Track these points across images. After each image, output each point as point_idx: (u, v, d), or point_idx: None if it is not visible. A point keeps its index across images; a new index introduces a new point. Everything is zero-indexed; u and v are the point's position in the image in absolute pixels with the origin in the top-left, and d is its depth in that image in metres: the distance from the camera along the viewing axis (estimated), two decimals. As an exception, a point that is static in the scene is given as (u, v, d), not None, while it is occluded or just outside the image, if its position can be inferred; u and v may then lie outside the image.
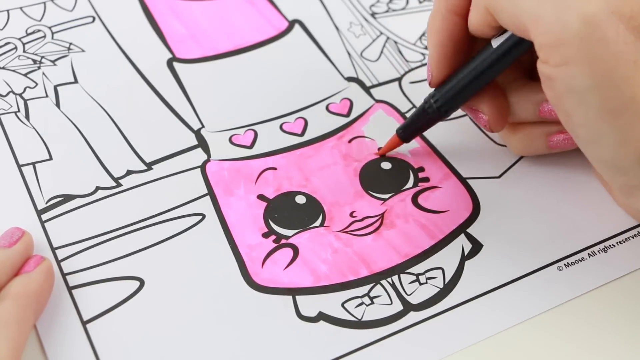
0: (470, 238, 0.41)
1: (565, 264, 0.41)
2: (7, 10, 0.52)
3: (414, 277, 0.40)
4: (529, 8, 0.34)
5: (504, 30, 0.38)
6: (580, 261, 0.41)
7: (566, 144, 0.42)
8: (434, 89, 0.42)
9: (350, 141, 0.46)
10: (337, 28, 0.52)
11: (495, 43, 0.39)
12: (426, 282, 0.40)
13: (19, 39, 0.51)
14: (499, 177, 0.44)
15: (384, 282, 0.40)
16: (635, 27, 0.33)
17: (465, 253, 0.41)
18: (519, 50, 0.38)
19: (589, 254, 0.41)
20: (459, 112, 0.46)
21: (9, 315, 0.35)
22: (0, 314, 0.35)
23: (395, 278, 0.40)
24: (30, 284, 0.37)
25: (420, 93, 0.47)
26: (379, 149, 0.45)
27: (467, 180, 0.44)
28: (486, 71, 0.40)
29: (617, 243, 0.42)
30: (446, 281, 0.40)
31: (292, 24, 0.52)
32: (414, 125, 0.44)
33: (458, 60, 0.41)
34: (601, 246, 0.41)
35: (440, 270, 0.40)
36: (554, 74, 0.34)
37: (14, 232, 0.39)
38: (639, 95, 0.33)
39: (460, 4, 0.40)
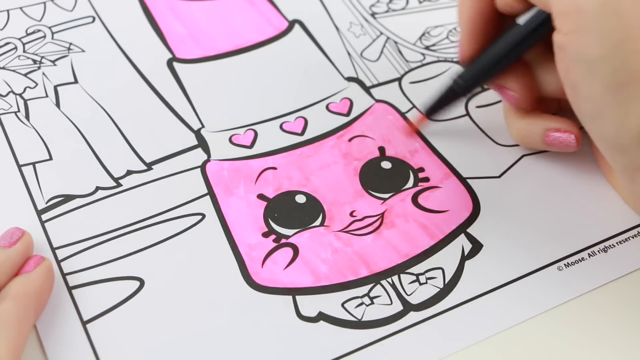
0: (471, 238, 0.41)
1: (565, 264, 0.40)
2: (7, 10, 0.52)
3: (414, 277, 0.40)
4: None
5: (530, 8, 0.39)
6: (580, 261, 0.41)
7: (562, 143, 0.42)
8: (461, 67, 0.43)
9: (350, 140, 0.46)
10: (337, 28, 0.52)
11: (522, 21, 0.40)
12: (426, 282, 0.40)
13: (19, 39, 0.50)
14: (499, 176, 0.44)
15: (384, 282, 0.39)
16: None
17: (466, 253, 0.41)
18: (544, 27, 0.39)
19: (589, 254, 0.41)
20: (460, 112, 0.46)
21: (9, 315, 0.35)
22: (0, 314, 0.35)
23: (395, 278, 0.40)
24: (30, 284, 0.37)
25: (420, 93, 0.47)
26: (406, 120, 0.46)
27: (467, 180, 0.44)
28: (513, 48, 0.41)
29: (617, 243, 0.41)
30: (446, 281, 0.40)
31: (292, 24, 0.52)
32: (441, 103, 0.45)
33: (487, 38, 0.42)
34: (601, 246, 0.41)
35: (440, 270, 0.40)
36: (566, 42, 0.35)
37: (14, 232, 0.39)
38: None
39: None
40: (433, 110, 0.45)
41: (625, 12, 0.33)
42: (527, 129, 0.43)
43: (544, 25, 0.39)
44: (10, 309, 0.35)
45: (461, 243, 0.41)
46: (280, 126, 0.46)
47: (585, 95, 0.35)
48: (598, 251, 0.41)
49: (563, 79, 0.36)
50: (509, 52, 0.41)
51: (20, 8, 0.52)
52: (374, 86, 0.49)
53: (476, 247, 0.41)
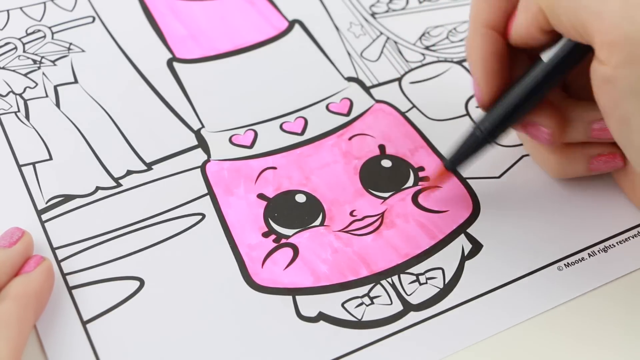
0: (470, 238, 0.41)
1: (565, 264, 0.40)
2: (7, 10, 0.52)
3: (414, 277, 0.40)
4: (591, 4, 0.33)
5: (552, 43, 0.37)
6: (580, 261, 0.41)
7: (607, 166, 0.41)
8: (482, 112, 0.41)
9: (350, 138, 0.46)
10: (337, 28, 0.52)
11: (546, 56, 0.37)
12: (426, 282, 0.39)
13: (19, 39, 0.50)
14: (499, 177, 0.44)
15: (384, 282, 0.39)
16: None
17: (465, 253, 0.41)
18: (573, 60, 0.37)
19: (589, 253, 0.41)
20: (460, 111, 0.46)
21: (9, 315, 0.35)
22: (0, 314, 0.35)
23: (395, 278, 0.40)
24: (30, 284, 0.37)
25: (420, 93, 0.48)
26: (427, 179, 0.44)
27: (467, 180, 0.44)
28: (539, 87, 0.38)
29: (617, 243, 0.41)
30: (446, 281, 0.40)
31: (292, 24, 0.52)
32: (465, 154, 0.41)
33: (504, 78, 0.39)
34: (601, 246, 0.41)
35: (440, 271, 0.40)
36: (615, 75, 0.33)
37: (14, 232, 0.39)
38: None
39: (496, 18, 0.38)
40: (456, 163, 0.42)
41: None
42: (568, 160, 0.41)
43: (573, 56, 0.37)
44: (10, 309, 0.35)
45: (461, 243, 0.41)
46: (280, 126, 0.46)
47: (637, 130, 0.34)
48: (598, 251, 0.41)
49: (609, 112, 0.34)
50: (536, 92, 0.38)
51: (20, 8, 0.52)
52: (374, 86, 0.49)
53: (476, 247, 0.41)
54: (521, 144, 0.45)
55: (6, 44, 0.50)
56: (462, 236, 0.41)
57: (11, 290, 0.36)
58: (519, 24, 0.37)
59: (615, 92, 0.33)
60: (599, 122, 0.39)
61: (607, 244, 0.41)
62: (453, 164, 0.42)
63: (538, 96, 0.39)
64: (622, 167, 0.41)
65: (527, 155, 0.45)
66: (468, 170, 0.44)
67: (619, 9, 0.32)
